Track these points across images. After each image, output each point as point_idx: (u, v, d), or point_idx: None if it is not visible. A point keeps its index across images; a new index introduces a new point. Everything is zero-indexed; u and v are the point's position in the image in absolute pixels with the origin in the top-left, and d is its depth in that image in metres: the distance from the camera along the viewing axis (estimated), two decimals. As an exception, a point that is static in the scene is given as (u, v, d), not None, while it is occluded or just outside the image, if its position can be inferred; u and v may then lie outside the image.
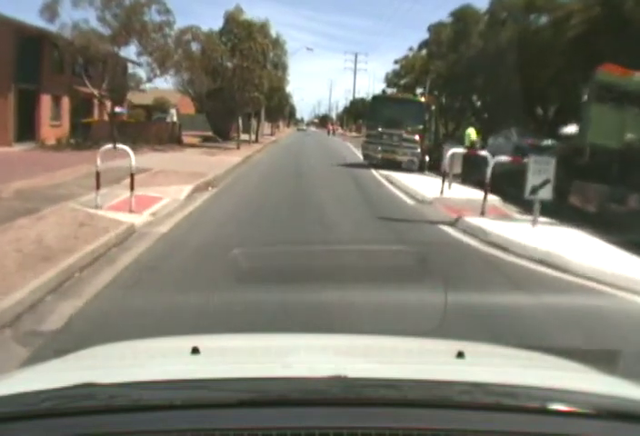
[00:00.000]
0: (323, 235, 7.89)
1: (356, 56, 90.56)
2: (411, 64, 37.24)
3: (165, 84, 33.51)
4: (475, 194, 11.83)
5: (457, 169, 13.70)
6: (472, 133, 18.59)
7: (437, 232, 8.56)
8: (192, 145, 27.65)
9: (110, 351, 1.91)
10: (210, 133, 35.50)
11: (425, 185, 13.97)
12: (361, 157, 26.71)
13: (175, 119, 29.49)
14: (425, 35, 34.57)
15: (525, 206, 10.27)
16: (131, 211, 8.48)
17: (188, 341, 1.76)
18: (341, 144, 44.44)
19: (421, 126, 19.78)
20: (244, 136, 33.07)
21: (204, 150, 24.68)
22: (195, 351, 1.52)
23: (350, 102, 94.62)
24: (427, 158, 20.17)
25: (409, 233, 8.32)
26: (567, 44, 18.99)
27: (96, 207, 8.56)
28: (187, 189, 11.55)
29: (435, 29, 30.66)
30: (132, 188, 8.60)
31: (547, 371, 1.70)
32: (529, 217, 9.06)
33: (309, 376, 1.27)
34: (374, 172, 18.82)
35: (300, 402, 1.12)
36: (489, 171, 9.34)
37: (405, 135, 19.51)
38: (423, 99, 21.05)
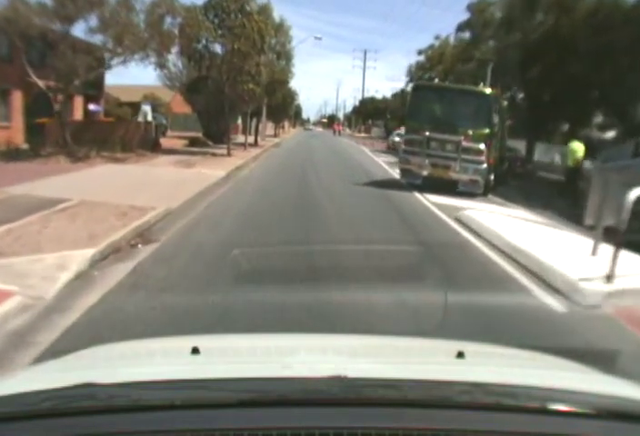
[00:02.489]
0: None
1: (365, 53, 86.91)
2: (438, 54, 31.49)
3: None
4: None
5: (609, 218, 6.69)
6: (578, 148, 12.78)
7: None
8: (170, 152, 21.67)
9: (110, 351, 1.92)
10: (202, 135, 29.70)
11: (535, 238, 7.66)
12: (385, 167, 21.01)
13: (149, 117, 23.64)
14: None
15: None
16: None
17: (188, 341, 1.75)
18: (355, 149, 37.36)
19: (487, 130, 13.39)
20: (242, 138, 27.42)
21: (181, 159, 18.67)
22: (195, 351, 1.51)
23: (359, 101, 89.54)
24: (492, 176, 14.14)
25: None
26: None
27: None
28: (83, 259, 5.72)
29: (478, 7, 24.76)
30: None
31: (547, 371, 1.70)
32: None
33: (309, 376, 1.25)
34: (423, 200, 12.37)
35: (300, 402, 1.11)
36: None
37: (464, 143, 13.27)
38: (488, 90, 14.11)
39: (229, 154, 21.24)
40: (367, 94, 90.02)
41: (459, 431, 1.05)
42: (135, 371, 1.45)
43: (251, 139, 30.81)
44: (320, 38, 39.98)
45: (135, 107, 47.06)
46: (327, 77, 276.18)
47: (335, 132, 70.32)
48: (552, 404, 1.13)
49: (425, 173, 13.86)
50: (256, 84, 20.30)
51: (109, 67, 18.13)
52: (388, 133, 71.31)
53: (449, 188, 13.39)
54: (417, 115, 14.05)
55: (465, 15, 27.00)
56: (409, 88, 49.84)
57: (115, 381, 1.20)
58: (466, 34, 27.30)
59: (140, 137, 21.21)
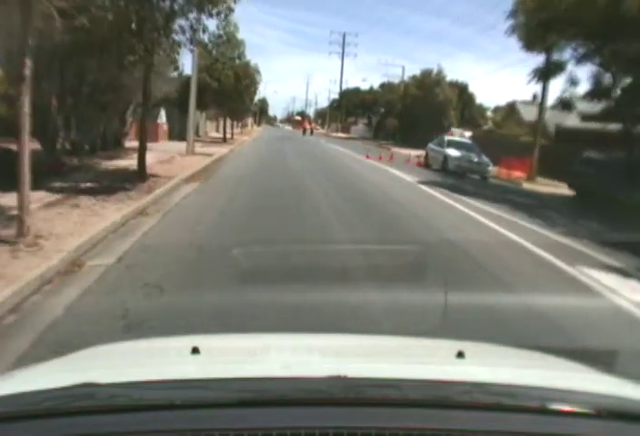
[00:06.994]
0: None
1: (344, 37, 71.30)
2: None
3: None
4: None
5: None
6: None
7: None
8: None
9: (110, 351, 1.89)
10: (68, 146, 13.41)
11: None
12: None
13: None
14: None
15: None
16: None
17: (188, 341, 1.72)
18: (372, 170, 19.90)
19: None
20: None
21: None
22: (195, 351, 1.48)
23: (339, 93, 72.15)
24: None
25: None
26: None
27: None
28: None
29: None
30: None
31: (547, 371, 1.68)
32: None
33: (309, 376, 1.24)
34: None
35: (300, 402, 1.09)
36: None
37: None
38: None
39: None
40: (346, 86, 73.78)
41: (459, 431, 1.04)
42: (135, 371, 1.41)
43: (155, 155, 14.96)
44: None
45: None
46: (296, 74, 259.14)
47: (304, 131, 59.69)
48: (552, 404, 1.12)
49: None
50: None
51: None
52: (379, 133, 55.61)
53: None
54: None
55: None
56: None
57: (115, 381, 1.18)
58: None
59: None
